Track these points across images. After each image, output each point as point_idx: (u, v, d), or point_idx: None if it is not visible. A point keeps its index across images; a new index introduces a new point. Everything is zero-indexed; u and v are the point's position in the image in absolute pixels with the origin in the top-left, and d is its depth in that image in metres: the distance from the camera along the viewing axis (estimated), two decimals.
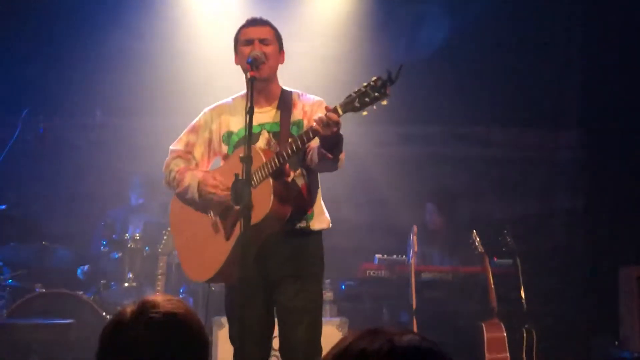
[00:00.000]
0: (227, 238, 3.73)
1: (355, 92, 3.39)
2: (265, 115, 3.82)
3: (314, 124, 3.43)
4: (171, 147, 3.98)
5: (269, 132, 3.80)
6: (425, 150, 7.56)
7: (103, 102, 6.90)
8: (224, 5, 7.04)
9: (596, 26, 7.25)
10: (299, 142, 3.52)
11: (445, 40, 7.16)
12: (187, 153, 3.92)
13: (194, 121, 3.98)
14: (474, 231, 5.98)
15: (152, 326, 1.96)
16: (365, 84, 3.37)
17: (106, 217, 6.64)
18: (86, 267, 6.40)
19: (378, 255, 6.41)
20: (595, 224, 7.18)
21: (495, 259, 6.23)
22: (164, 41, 7.00)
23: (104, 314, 5.82)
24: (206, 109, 3.98)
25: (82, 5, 6.92)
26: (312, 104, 3.86)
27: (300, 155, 3.70)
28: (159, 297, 2.06)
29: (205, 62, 6.79)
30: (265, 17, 3.93)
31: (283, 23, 6.73)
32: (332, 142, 3.49)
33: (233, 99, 3.96)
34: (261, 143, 3.76)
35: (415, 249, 5.92)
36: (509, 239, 6.03)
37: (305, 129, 3.70)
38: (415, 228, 5.96)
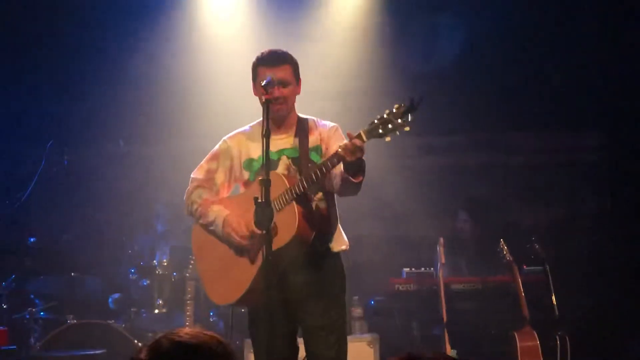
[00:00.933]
0: (252, 262, 3.81)
1: (378, 119, 3.50)
2: (284, 141, 3.92)
3: (339, 150, 3.54)
4: (192, 176, 4.07)
5: (288, 157, 3.91)
6: (446, 161, 7.55)
7: (125, 130, 6.98)
8: (242, 30, 7.08)
9: (616, 27, 7.19)
10: (324, 168, 3.64)
11: (462, 49, 7.16)
12: (208, 181, 4.01)
13: (214, 149, 4.06)
14: (502, 240, 5.95)
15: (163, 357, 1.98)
16: (387, 111, 3.48)
17: (133, 244, 6.69)
18: (117, 295, 6.44)
19: (406, 269, 6.39)
20: (623, 226, 7.11)
21: (524, 267, 6.18)
22: (183, 66, 7.07)
23: (135, 341, 5.84)
24: (225, 137, 4.06)
25: (101, 34, 7.00)
26: (328, 130, 3.97)
27: (322, 180, 3.78)
28: (180, 329, 2.07)
29: (224, 86, 6.84)
30: (282, 49, 3.96)
31: (297, 38, 6.91)
32: (356, 167, 3.61)
33: (251, 127, 4.04)
34: (281, 169, 3.87)
35: (443, 260, 5.89)
36: (537, 247, 5.99)
37: (326, 154, 3.84)
38: (442, 240, 5.94)
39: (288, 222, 3.67)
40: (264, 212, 3.39)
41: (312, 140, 3.94)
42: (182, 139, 7.15)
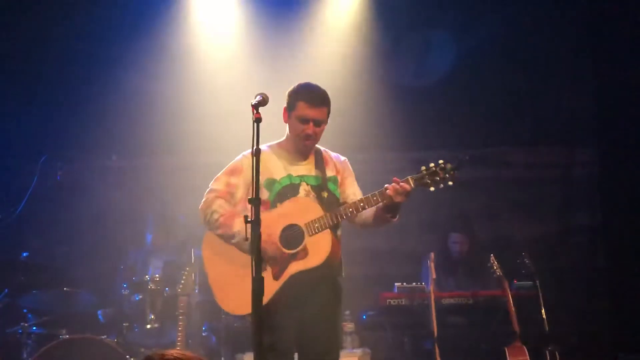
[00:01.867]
0: (276, 278, 4.00)
1: (426, 170, 3.93)
2: (306, 168, 4.17)
3: (388, 190, 3.89)
4: (212, 187, 4.19)
5: (307, 184, 4.13)
6: None
7: (119, 144, 7.00)
8: (237, 48, 7.12)
9: (608, 43, 7.24)
10: (369, 203, 3.97)
11: (455, 64, 7.20)
12: (228, 194, 4.15)
13: (235, 163, 4.21)
14: (492, 255, 5.98)
15: None
16: (433, 164, 3.91)
17: (126, 259, 6.69)
18: (107, 310, 6.44)
19: (397, 284, 6.41)
20: (614, 240, 7.13)
21: (515, 282, 6.20)
22: (177, 81, 7.10)
23: (127, 356, 5.84)
24: (246, 153, 4.18)
25: (95, 48, 7.02)
26: (342, 163, 4.32)
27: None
28: (174, 350, 2.12)
29: (219, 100, 6.88)
30: (326, 96, 4.22)
31: (289, 50, 6.94)
32: (397, 209, 4.01)
33: (268, 147, 4.21)
34: (301, 193, 4.11)
35: (434, 275, 5.92)
36: (527, 262, 6.03)
37: (341, 185, 4.25)
38: (432, 255, 5.97)
39: (320, 247, 3.97)
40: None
41: (329, 170, 4.21)
42: (176, 154, 7.18)
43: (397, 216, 4.07)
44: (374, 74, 7.29)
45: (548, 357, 5.67)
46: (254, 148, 3.52)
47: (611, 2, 7.22)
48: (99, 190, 7.06)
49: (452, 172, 3.90)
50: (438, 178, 3.90)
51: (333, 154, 4.33)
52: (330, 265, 4.04)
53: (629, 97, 6.99)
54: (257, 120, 3.63)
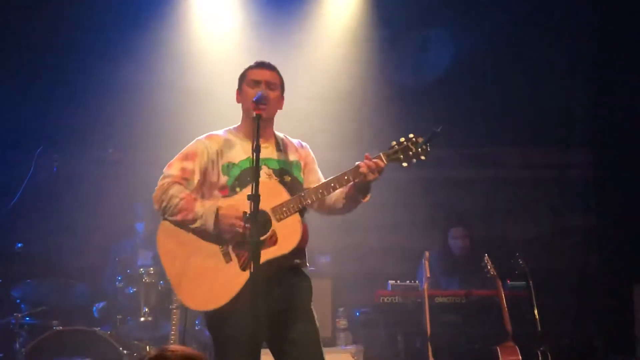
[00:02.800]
0: (244, 268, 3.73)
1: (398, 145, 3.74)
2: (265, 151, 3.86)
3: (360, 168, 3.71)
4: (165, 172, 3.87)
5: (269, 167, 3.90)
6: (435, 174, 7.56)
7: (115, 136, 6.99)
8: (232, 41, 7.13)
9: (605, 44, 7.27)
10: (338, 183, 3.77)
11: (452, 63, 7.21)
12: (183, 179, 3.84)
13: (188, 149, 3.92)
14: (486, 255, 6.00)
15: None
16: (403, 138, 3.73)
17: (119, 251, 6.70)
18: (101, 304, 6.44)
19: (391, 282, 6.41)
20: (607, 242, 7.17)
21: (508, 282, 6.23)
22: (173, 74, 7.09)
23: (121, 349, 5.85)
24: (201, 137, 3.96)
25: (91, 41, 7.01)
26: (303, 148, 4.10)
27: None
28: (174, 345, 2.14)
29: (215, 94, 6.86)
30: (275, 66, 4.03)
31: (286, 52, 6.94)
32: (368, 188, 3.82)
33: (225, 131, 4.00)
34: (262, 177, 3.79)
35: (428, 274, 5.92)
36: (520, 262, 6.04)
37: (304, 170, 4.01)
38: (427, 254, 5.98)
39: (290, 233, 3.72)
40: (260, 223, 3.50)
41: (291, 155, 4.01)
42: (171, 146, 7.15)
43: (368, 196, 3.85)
44: (369, 73, 7.29)
45: (540, 357, 5.68)
46: (254, 145, 3.49)
47: (609, 3, 7.24)
48: (95, 183, 7.06)
49: (424, 147, 3.72)
50: (411, 153, 3.72)
51: (294, 140, 4.10)
52: (299, 253, 3.82)
53: (625, 99, 7.02)
54: (258, 117, 3.62)
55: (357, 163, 3.74)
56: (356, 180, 3.75)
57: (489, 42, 7.20)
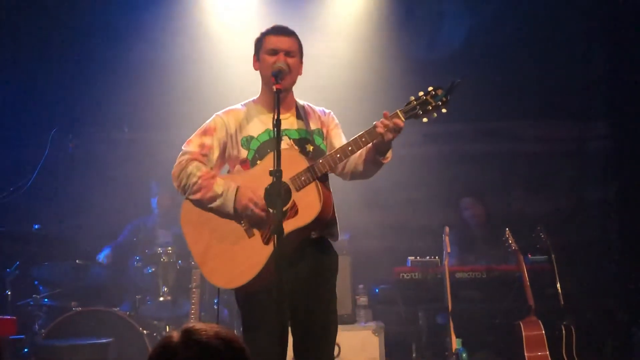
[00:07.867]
0: (267, 242, 3.66)
1: (416, 100, 3.56)
2: (285, 122, 3.75)
3: (378, 128, 3.54)
4: (184, 149, 3.82)
5: (290, 138, 3.80)
6: (452, 149, 7.53)
7: (129, 115, 6.95)
8: (247, 17, 7.04)
9: (622, 14, 7.16)
10: (355, 146, 3.61)
11: (468, 36, 7.13)
12: (203, 156, 3.78)
13: (207, 124, 3.86)
14: (507, 229, 5.95)
15: (201, 348, 1.99)
16: (422, 92, 3.55)
17: (136, 231, 6.68)
18: (108, 250, 6.49)
19: (411, 258, 6.38)
20: (627, 214, 7.10)
21: (529, 256, 6.18)
22: (188, 54, 7.04)
23: (140, 329, 5.84)
24: (219, 113, 3.89)
25: (106, 21, 6.96)
26: (327, 115, 3.97)
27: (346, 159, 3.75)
28: (199, 324, 2.08)
29: (227, 69, 6.81)
30: (290, 27, 3.91)
31: (301, 24, 6.84)
32: (388, 147, 3.65)
33: (244, 105, 3.93)
34: (283, 146, 3.63)
35: (449, 249, 5.89)
36: (542, 236, 6.00)
37: (327, 137, 3.87)
38: (447, 229, 5.94)
39: (310, 202, 3.59)
40: (277, 198, 3.32)
41: (313, 123, 3.88)
42: (187, 126, 7.10)
43: (389, 156, 3.69)
44: (384, 48, 7.21)
45: (563, 331, 5.65)
46: (275, 119, 3.39)
47: None
48: (111, 163, 7.03)
49: (444, 99, 3.51)
50: (430, 107, 3.52)
51: (318, 108, 3.97)
52: (322, 223, 3.66)
53: None
54: (278, 91, 3.53)
55: (374, 123, 3.58)
56: (375, 141, 3.60)
57: (504, 14, 7.11)
